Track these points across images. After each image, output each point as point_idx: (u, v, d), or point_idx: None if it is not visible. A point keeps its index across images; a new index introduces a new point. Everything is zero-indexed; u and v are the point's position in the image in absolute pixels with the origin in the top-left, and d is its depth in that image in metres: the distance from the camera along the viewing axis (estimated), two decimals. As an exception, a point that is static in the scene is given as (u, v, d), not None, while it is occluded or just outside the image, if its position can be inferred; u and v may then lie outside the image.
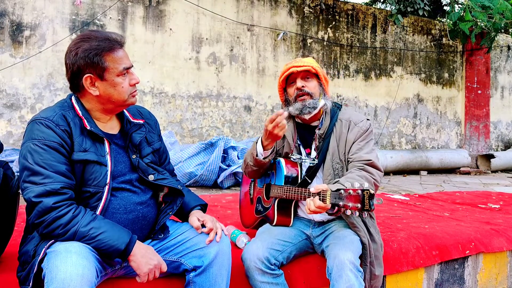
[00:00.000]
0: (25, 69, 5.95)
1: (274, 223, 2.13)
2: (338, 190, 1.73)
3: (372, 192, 1.67)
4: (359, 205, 1.67)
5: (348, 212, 1.69)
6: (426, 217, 3.28)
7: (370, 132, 2.14)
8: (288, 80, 2.18)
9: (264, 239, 2.02)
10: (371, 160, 2.04)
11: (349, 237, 1.99)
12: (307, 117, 2.14)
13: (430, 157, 8.38)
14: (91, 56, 1.57)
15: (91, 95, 1.63)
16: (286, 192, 2.05)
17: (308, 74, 2.14)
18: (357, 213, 1.69)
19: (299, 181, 2.10)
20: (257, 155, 2.08)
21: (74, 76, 1.61)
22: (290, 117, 2.24)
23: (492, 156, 9.21)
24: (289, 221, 2.15)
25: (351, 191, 1.68)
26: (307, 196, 1.92)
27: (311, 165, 2.12)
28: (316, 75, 2.16)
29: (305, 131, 2.21)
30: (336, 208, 1.73)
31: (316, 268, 2.12)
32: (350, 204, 1.68)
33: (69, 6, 6.20)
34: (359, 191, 1.67)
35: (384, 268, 2.28)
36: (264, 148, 2.06)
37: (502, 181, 7.39)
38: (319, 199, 1.78)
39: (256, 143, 2.09)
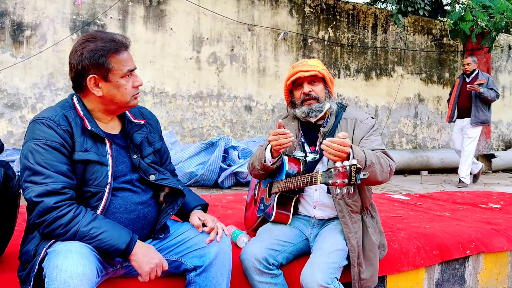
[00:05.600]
0: (26, 69, 5.95)
1: (272, 219, 2.12)
2: (329, 169, 1.80)
3: (359, 166, 1.71)
4: (346, 180, 1.71)
5: (338, 190, 1.73)
6: (427, 217, 3.28)
7: (377, 129, 2.16)
8: (295, 83, 2.18)
9: (263, 239, 2.02)
10: (384, 149, 2.06)
11: (330, 242, 1.96)
12: (312, 120, 2.16)
13: (430, 156, 8.37)
14: (96, 57, 1.57)
15: (94, 96, 1.63)
16: (285, 184, 2.06)
17: (314, 78, 2.14)
18: (345, 190, 1.73)
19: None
20: (264, 161, 2.09)
21: (78, 76, 1.61)
22: (295, 116, 2.25)
23: (493, 156, 9.18)
24: (287, 218, 2.13)
25: (340, 168, 1.73)
26: (305, 181, 1.95)
27: (313, 160, 2.13)
28: (323, 79, 2.15)
29: (310, 130, 2.22)
30: (329, 183, 1.78)
31: (316, 268, 2.12)
32: (338, 181, 1.73)
33: (69, 6, 6.20)
34: (347, 167, 1.71)
35: (385, 268, 2.29)
36: (273, 155, 2.08)
37: (502, 181, 7.38)
38: (311, 182, 1.88)
39: (265, 149, 2.10)
